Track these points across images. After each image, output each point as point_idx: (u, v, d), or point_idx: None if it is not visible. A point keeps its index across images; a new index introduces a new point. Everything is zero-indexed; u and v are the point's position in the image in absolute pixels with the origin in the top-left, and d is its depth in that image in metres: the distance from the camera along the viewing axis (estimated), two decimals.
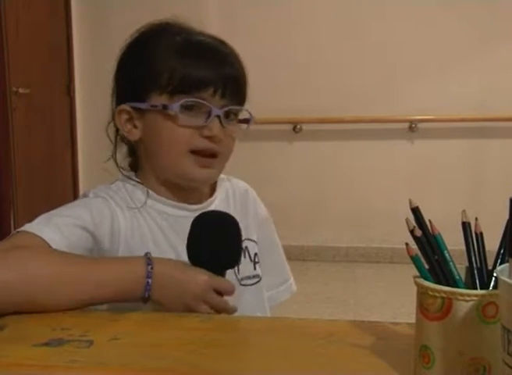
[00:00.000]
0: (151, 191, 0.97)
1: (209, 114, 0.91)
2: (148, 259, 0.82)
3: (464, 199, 3.58)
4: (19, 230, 0.85)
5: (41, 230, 0.84)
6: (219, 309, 0.84)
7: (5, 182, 2.87)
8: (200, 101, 0.91)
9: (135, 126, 0.96)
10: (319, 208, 3.89)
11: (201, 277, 0.83)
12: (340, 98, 3.71)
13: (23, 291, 0.76)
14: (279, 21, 3.72)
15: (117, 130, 0.99)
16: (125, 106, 0.96)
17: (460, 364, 0.56)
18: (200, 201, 1.00)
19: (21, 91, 3.18)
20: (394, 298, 3.02)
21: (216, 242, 0.86)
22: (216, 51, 0.95)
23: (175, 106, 0.90)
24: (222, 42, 0.98)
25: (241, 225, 0.89)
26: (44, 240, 0.83)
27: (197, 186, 1.00)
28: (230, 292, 0.85)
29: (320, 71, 3.73)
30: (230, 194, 1.05)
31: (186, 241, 0.85)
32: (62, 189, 3.67)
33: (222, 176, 1.04)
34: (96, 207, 0.92)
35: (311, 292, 3.27)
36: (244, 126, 0.99)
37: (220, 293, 0.84)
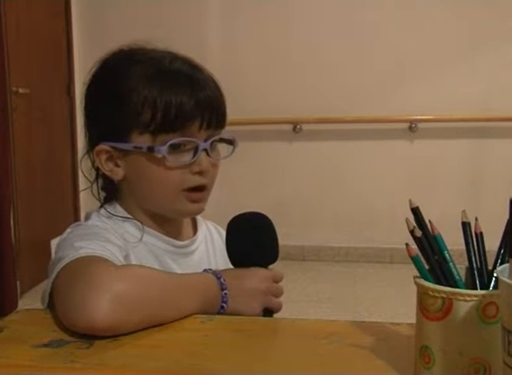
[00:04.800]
0: (140, 224, 0.93)
1: (196, 149, 0.88)
2: (215, 272, 0.84)
3: (463, 199, 3.58)
4: (66, 261, 0.78)
5: (95, 250, 0.80)
6: (279, 295, 0.90)
7: (5, 182, 2.87)
8: (188, 139, 0.87)
9: (117, 165, 0.91)
10: (319, 208, 3.89)
11: (262, 273, 0.87)
12: (340, 98, 3.71)
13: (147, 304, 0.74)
14: (279, 21, 3.72)
15: (93, 165, 0.95)
16: (103, 146, 0.90)
17: (461, 364, 0.56)
18: (184, 239, 0.99)
19: (21, 91, 3.18)
20: (394, 299, 3.02)
21: (257, 241, 0.89)
22: (193, 79, 0.89)
23: (162, 149, 0.86)
24: (195, 67, 0.92)
25: (223, 262, 0.94)
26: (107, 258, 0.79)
27: (189, 217, 1.01)
28: (282, 278, 0.90)
29: (320, 71, 3.73)
30: (208, 237, 1.05)
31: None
32: (62, 189, 3.67)
33: (199, 218, 1.04)
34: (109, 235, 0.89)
35: (311, 292, 3.27)
36: (228, 146, 0.95)
37: (275, 282, 0.90)
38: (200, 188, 0.91)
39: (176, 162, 0.88)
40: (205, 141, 0.89)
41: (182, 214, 0.97)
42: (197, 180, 0.90)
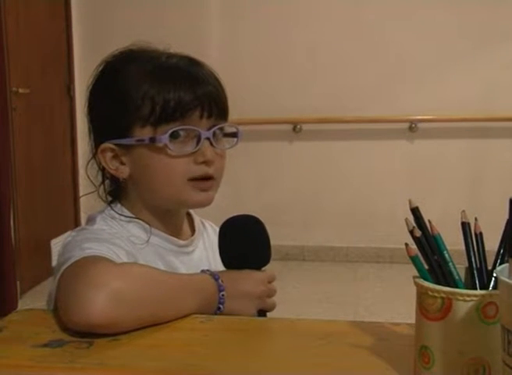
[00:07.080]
0: (146, 225, 0.94)
1: (199, 138, 0.88)
2: (213, 273, 0.84)
3: (463, 199, 3.58)
4: (73, 261, 0.79)
5: (102, 251, 0.80)
6: (273, 296, 0.91)
7: (5, 182, 2.87)
8: (188, 127, 0.88)
9: (122, 163, 0.92)
10: (319, 208, 3.89)
11: (257, 276, 0.88)
12: (340, 98, 3.71)
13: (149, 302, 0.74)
14: (280, 21, 3.72)
15: (99, 167, 0.95)
16: (108, 144, 0.91)
17: (460, 364, 0.56)
18: (184, 238, 0.99)
19: (21, 91, 3.18)
20: (394, 298, 3.02)
21: (250, 245, 0.89)
22: (190, 72, 0.91)
23: (163, 138, 0.86)
24: (194, 61, 0.94)
25: (220, 261, 0.94)
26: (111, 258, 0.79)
27: (197, 208, 1.00)
28: (275, 279, 0.91)
29: (320, 71, 3.73)
30: (205, 236, 1.05)
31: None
32: (62, 189, 3.66)
33: (196, 217, 1.05)
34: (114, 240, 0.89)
35: (311, 292, 3.27)
36: (232, 140, 0.95)
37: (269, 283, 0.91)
38: (207, 178, 0.91)
39: (179, 152, 0.88)
40: (208, 130, 0.89)
41: (190, 205, 0.96)
42: (202, 170, 0.90)
